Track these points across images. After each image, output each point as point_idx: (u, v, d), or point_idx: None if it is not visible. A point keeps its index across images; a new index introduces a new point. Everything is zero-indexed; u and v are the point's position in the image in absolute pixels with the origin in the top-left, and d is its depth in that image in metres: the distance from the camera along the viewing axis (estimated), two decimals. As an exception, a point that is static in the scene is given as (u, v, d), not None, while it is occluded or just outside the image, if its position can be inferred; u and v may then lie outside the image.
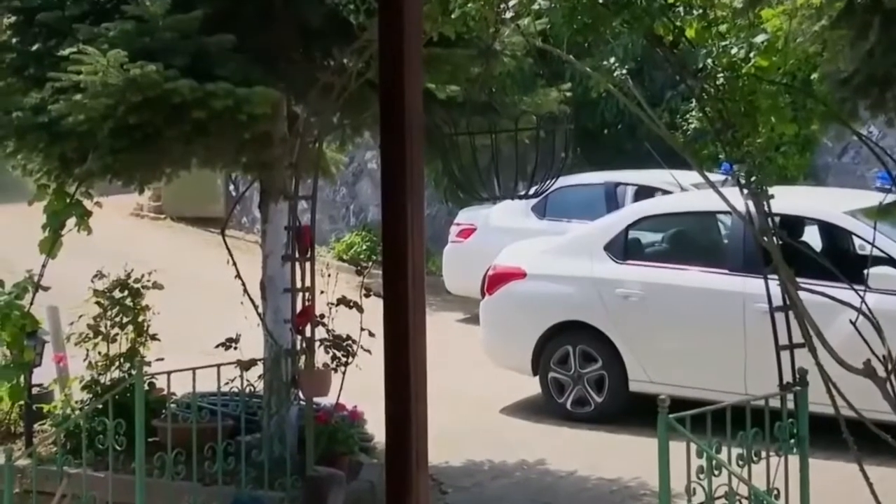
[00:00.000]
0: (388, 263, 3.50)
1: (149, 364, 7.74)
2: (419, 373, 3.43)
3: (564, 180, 12.80)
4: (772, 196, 5.56)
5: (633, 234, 9.20)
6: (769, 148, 5.65)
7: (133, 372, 7.30)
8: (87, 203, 7.37)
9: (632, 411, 8.63)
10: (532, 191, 5.30)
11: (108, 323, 7.83)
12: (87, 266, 8.13)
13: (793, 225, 8.68)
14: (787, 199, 8.84)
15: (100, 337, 7.80)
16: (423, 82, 7.61)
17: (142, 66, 6.16)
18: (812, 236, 9.07)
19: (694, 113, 12.65)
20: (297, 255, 6.81)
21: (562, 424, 8.86)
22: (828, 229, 9.11)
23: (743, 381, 8.07)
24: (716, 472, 5.02)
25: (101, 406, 6.92)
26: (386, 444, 3.55)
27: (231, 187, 17.07)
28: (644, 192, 11.48)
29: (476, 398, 9.55)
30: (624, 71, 5.64)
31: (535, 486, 7.69)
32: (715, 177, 9.23)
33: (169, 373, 6.63)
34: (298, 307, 6.84)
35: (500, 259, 9.60)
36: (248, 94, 6.29)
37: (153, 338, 7.96)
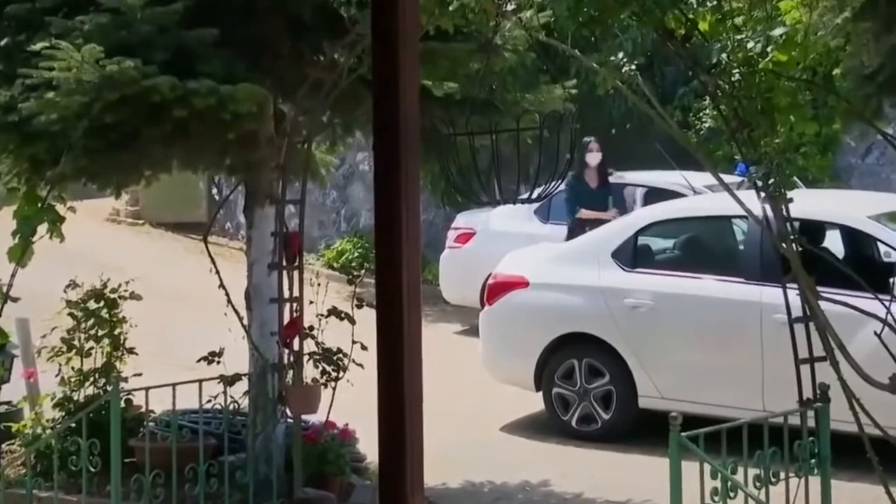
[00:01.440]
0: (381, 274, 3.50)
1: (125, 380, 7.73)
2: (414, 390, 3.42)
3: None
4: (790, 199, 5.56)
5: (642, 240, 9.19)
6: (788, 148, 5.63)
7: (109, 388, 7.29)
8: (60, 208, 7.35)
9: (641, 429, 8.62)
10: (535, 194, 5.30)
11: (83, 336, 7.81)
12: (60, 275, 8.11)
13: (813, 230, 8.69)
14: (808, 203, 8.87)
15: (73, 351, 7.78)
16: (420, 79, 7.67)
17: (119, 61, 6.16)
18: (834, 242, 9.08)
19: (708, 111, 12.68)
20: (284, 263, 6.82)
21: (567, 443, 8.85)
22: (851, 235, 9.12)
23: (760, 398, 8.07)
24: (731, 495, 5.02)
25: (74, 425, 6.91)
26: (379, 466, 3.55)
27: (214, 191, 17.08)
28: (655, 195, 11.48)
29: (475, 415, 9.54)
30: (633, 67, 5.64)
31: (539, 510, 7.69)
32: (730, 178, 9.26)
33: (147, 389, 6.63)
34: (286, 318, 6.85)
35: (501, 267, 9.59)
36: (231, 91, 6.30)
37: (130, 351, 7.94)
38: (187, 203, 16.87)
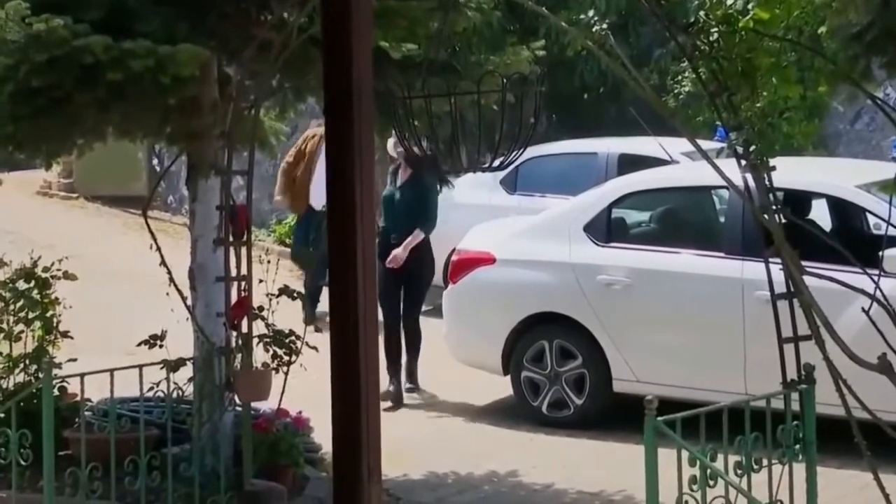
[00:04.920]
0: (334, 252, 3.51)
1: (59, 366, 7.69)
2: (371, 374, 3.45)
3: (538, 149, 12.88)
4: (773, 168, 5.59)
5: (616, 212, 9.23)
6: (771, 113, 5.67)
7: (40, 375, 7.25)
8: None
9: (616, 415, 8.68)
10: (497, 162, 5.31)
11: (11, 319, 7.78)
12: (-10, 253, 8.09)
13: (798, 201, 8.75)
14: (793, 172, 8.95)
15: (1, 335, 7.74)
16: (375, 39, 7.65)
17: (47, 20, 6.10)
18: (821, 214, 9.16)
19: (686, 74, 12.72)
20: (231, 239, 6.80)
21: (537, 430, 8.90)
22: (838, 206, 9.20)
23: (743, 380, 8.14)
24: (711, 483, 5.05)
25: (3, 415, 6.86)
26: (333, 455, 3.57)
27: (155, 161, 16.99)
28: (630, 164, 11.51)
29: (439, 401, 9.58)
30: (605, 26, 5.65)
31: (506, 501, 7.72)
32: (710, 145, 9.30)
33: (82, 375, 6.59)
34: (234, 298, 6.83)
35: (466, 242, 9.61)
36: (171, 52, 6.26)
37: (64, 335, 7.92)
38: (125, 175, 16.77)
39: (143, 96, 6.56)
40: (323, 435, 7.49)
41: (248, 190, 6.84)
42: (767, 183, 5.59)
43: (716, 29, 5.55)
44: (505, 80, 5.19)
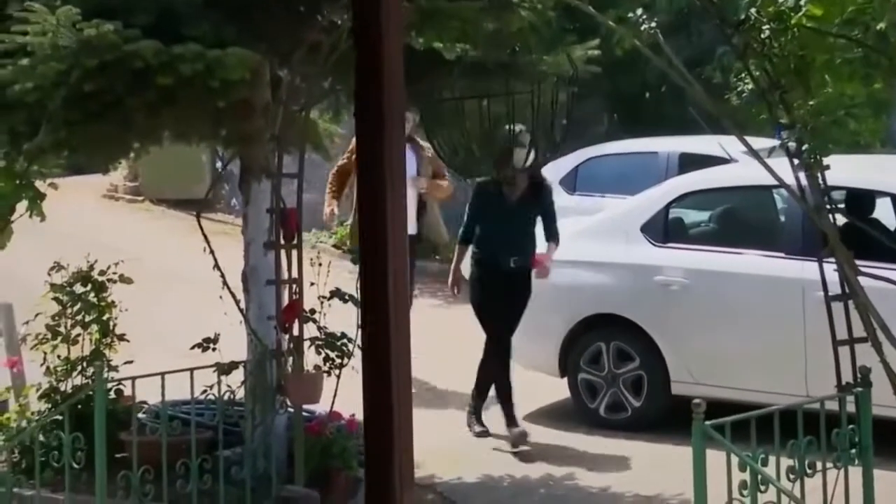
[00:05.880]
0: (366, 254, 3.48)
1: (116, 368, 7.77)
2: (402, 379, 3.40)
3: (598, 149, 12.82)
4: (827, 167, 5.49)
5: (675, 212, 9.13)
6: (826, 111, 5.56)
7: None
8: (42, 185, 7.35)
9: (674, 417, 8.56)
10: (528, 162, 5.28)
11: (69, 322, 7.84)
12: (50, 256, 8.14)
13: (862, 199, 8.61)
14: (856, 170, 8.81)
15: (59, 338, 7.81)
16: (428, 41, 7.62)
17: (97, 25, 6.12)
18: (886, 213, 8.99)
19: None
20: (282, 242, 6.81)
21: (594, 433, 8.82)
22: (903, 205, 9.03)
23: (804, 382, 8.01)
24: (762, 488, 4.97)
25: (60, 417, 6.92)
26: (365, 463, 3.53)
27: (218, 164, 17.07)
28: (691, 163, 11.40)
29: (495, 404, 9.51)
30: (654, 24, 5.57)
31: (562, 505, 7.68)
32: (772, 143, 9.12)
33: (133, 378, 6.62)
34: (285, 301, 6.84)
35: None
36: (220, 56, 6.26)
37: (121, 338, 7.96)
38: (190, 178, 16.86)
39: (193, 100, 6.56)
40: (376, 438, 7.48)
41: (298, 192, 6.84)
42: (821, 182, 5.50)
43: (767, 26, 5.47)
44: (537, 82, 5.14)
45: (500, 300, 8.60)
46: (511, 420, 8.61)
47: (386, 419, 3.40)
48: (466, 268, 8.91)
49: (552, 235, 8.81)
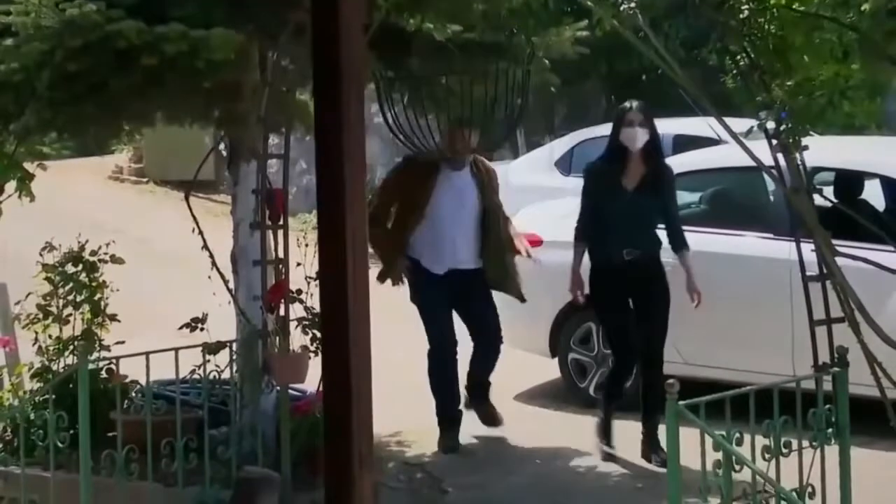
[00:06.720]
0: (323, 234, 3.45)
1: (108, 348, 7.77)
2: (361, 359, 3.38)
3: (594, 131, 12.73)
4: (805, 147, 5.45)
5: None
6: (803, 92, 5.52)
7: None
8: (30, 166, 7.34)
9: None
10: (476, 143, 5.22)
11: (61, 302, 7.83)
12: (50, 237, 8.13)
13: (850, 181, 8.56)
14: (845, 151, 8.76)
15: (50, 318, 7.81)
16: (417, 22, 7.58)
17: (80, 4, 6.11)
18: (874, 193, 8.95)
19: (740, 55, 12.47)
20: (267, 223, 6.78)
21: (583, 412, 8.78)
22: (892, 185, 8.97)
23: (790, 361, 7.96)
24: (736, 468, 4.95)
25: (54, 396, 6.91)
26: (325, 441, 3.51)
27: (221, 146, 17.04)
28: (685, 145, 11.34)
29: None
30: (632, 4, 5.52)
31: (550, 483, 7.64)
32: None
33: (118, 358, 6.62)
34: (271, 281, 6.82)
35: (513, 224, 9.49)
36: (204, 37, 6.24)
37: (112, 318, 7.96)
38: (193, 159, 16.75)
39: (179, 81, 6.55)
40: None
41: (283, 173, 6.81)
42: (798, 163, 5.46)
43: (746, 6, 5.43)
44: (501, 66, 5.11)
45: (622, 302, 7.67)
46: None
47: (344, 402, 3.38)
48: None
49: (677, 241, 7.82)
